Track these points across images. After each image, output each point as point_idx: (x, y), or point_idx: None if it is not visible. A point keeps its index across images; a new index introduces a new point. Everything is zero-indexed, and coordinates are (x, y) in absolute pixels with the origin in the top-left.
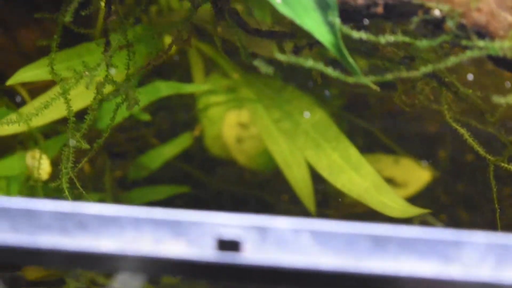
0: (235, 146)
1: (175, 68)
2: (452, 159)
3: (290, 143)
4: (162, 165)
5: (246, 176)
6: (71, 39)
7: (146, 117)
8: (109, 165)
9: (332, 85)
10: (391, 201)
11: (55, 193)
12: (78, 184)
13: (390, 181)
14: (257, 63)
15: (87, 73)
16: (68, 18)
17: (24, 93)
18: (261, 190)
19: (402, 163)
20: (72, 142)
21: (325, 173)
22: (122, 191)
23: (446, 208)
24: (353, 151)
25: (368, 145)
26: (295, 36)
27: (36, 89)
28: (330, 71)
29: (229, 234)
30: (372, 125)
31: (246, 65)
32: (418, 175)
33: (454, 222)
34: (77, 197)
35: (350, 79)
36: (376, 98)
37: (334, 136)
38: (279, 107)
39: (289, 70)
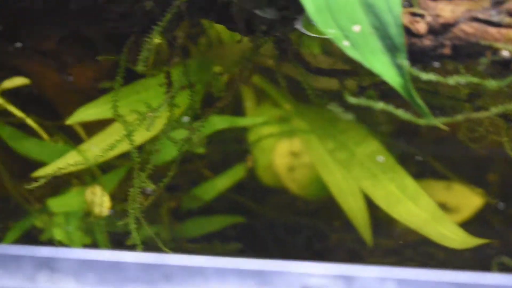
0: (287, 175)
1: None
2: (503, 183)
3: (345, 173)
4: (215, 196)
5: (298, 204)
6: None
7: (201, 150)
8: (165, 197)
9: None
10: (451, 232)
11: (116, 228)
12: (145, 225)
13: (442, 206)
14: (333, 107)
15: (150, 114)
16: (141, 67)
17: (77, 126)
18: (313, 218)
19: (453, 188)
20: (149, 191)
21: (382, 203)
22: (176, 222)
23: (500, 233)
24: (410, 181)
25: (419, 170)
26: (356, 74)
27: (90, 122)
28: (401, 113)
29: (315, 283)
30: (421, 150)
31: (297, 96)
32: (470, 200)
33: (508, 248)
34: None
35: (421, 121)
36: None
37: (390, 166)
38: (333, 137)
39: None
